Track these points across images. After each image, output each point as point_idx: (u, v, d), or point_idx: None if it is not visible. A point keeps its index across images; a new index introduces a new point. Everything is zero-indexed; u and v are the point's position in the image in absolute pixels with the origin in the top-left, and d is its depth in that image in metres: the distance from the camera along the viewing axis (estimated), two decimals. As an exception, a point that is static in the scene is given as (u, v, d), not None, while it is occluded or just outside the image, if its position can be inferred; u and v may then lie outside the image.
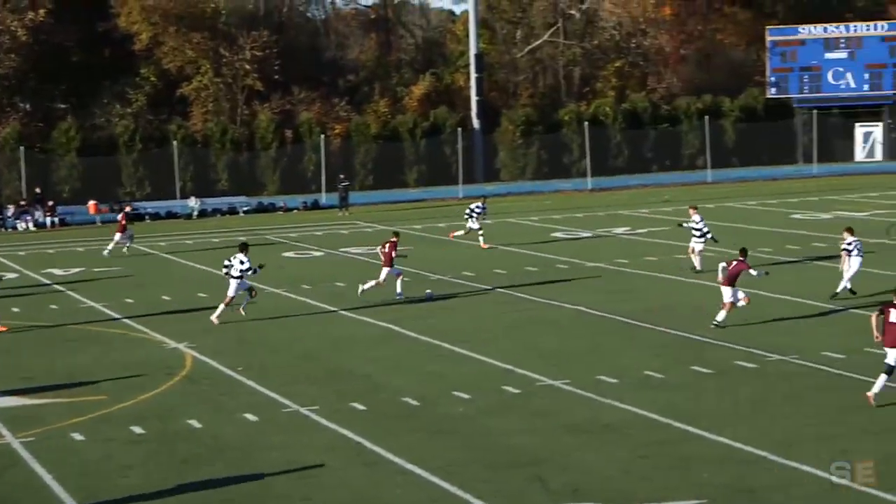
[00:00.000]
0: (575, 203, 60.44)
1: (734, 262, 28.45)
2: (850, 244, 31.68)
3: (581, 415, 21.24)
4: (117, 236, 45.08)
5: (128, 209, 49.27)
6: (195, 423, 21.43)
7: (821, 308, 30.28)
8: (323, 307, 32.77)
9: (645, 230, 47.65)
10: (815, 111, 75.35)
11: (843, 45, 77.31)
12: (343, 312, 31.93)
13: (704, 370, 24.04)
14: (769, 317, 29.45)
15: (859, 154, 77.97)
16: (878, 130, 77.72)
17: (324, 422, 21.26)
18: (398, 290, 33.23)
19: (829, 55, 77.36)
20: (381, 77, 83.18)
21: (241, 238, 45.60)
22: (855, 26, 78.41)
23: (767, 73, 79.36)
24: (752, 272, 28.81)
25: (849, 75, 77.14)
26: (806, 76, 77.92)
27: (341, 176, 61.46)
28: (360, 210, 60.26)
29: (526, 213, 55.96)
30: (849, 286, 31.40)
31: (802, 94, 78.13)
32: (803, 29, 78.34)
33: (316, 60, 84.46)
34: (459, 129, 69.99)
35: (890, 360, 21.03)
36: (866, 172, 71.44)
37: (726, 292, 28.26)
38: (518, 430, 20.47)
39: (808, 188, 63.88)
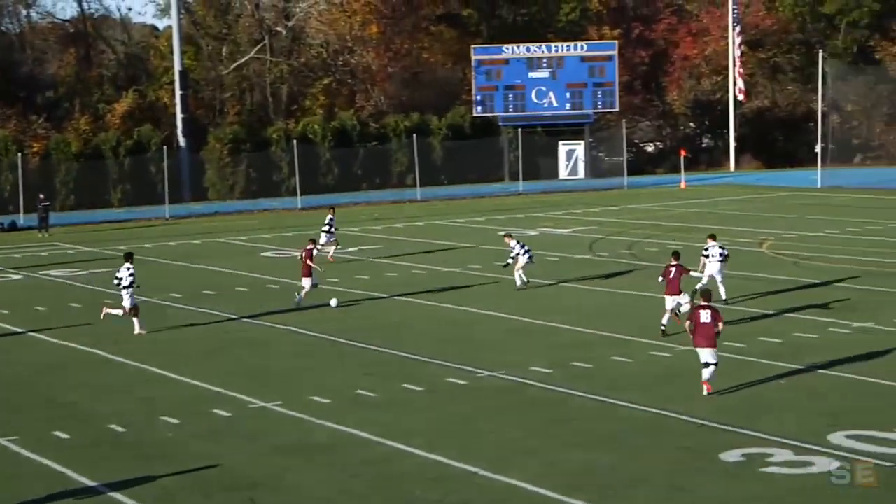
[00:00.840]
0: (285, 222, 60.37)
1: (671, 268, 29.04)
2: (706, 250, 32.98)
3: (293, 436, 21.25)
4: None
5: None
6: None
7: (529, 323, 31.18)
8: (22, 332, 31.72)
9: (355, 248, 48.01)
10: (519, 129, 77.57)
11: (545, 65, 79.90)
12: (44, 337, 30.99)
13: (416, 388, 24.40)
14: (478, 333, 30.17)
15: (563, 172, 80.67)
16: (580, 149, 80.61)
17: (24, 452, 20.59)
18: (297, 297, 34.19)
19: (532, 74, 79.83)
20: (81, 93, 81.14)
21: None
22: (556, 46, 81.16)
23: (473, 91, 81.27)
24: (693, 274, 30.14)
25: (551, 94, 79.77)
26: (510, 95, 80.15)
27: (41, 196, 59.52)
28: (62, 231, 58.56)
29: (235, 232, 55.57)
30: (724, 296, 32.38)
31: (507, 112, 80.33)
32: (507, 48, 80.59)
33: (11, 75, 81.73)
34: (165, 147, 68.93)
35: (708, 359, 22.91)
36: (570, 190, 74.03)
37: (669, 300, 28.91)
38: (230, 453, 20.31)
39: (515, 205, 65.69)
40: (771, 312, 31.51)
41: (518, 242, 36.93)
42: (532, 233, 51.61)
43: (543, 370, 25.51)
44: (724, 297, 32.44)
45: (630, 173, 78.18)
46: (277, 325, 31.78)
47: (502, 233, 40.62)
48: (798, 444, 19.68)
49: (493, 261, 42.61)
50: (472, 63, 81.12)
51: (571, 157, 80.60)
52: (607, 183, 76.92)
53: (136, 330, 31.01)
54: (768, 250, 43.93)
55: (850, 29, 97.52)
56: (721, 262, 32.85)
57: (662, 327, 28.78)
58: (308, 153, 73.35)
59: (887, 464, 18.56)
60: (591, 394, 23.42)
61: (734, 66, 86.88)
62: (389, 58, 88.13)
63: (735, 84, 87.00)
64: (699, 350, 23.13)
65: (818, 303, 32.37)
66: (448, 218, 59.44)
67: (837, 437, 19.93)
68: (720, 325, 22.97)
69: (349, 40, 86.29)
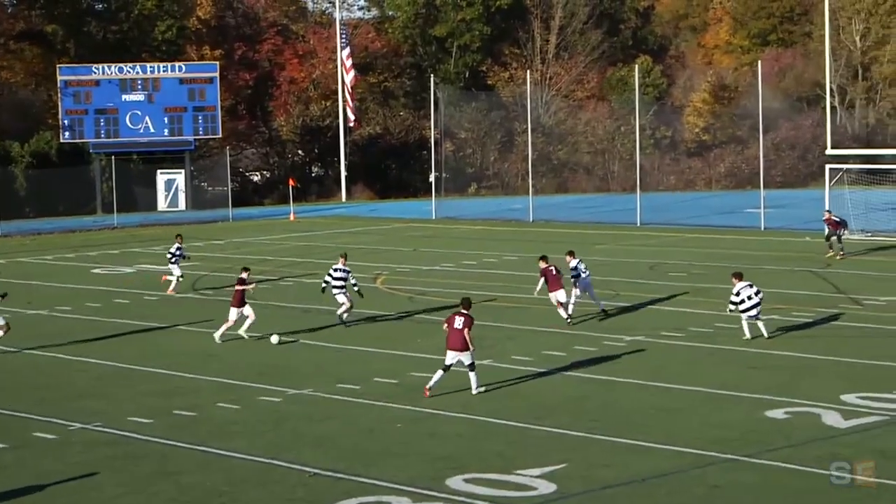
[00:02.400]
0: None
1: (551, 270, 34.77)
2: (574, 268, 36.16)
3: None
4: None
5: None
6: None
7: (126, 369, 30.61)
8: None
9: (-74, 291, 45.85)
10: (113, 157, 76.27)
11: (140, 87, 78.97)
12: None
13: (-1, 445, 23.57)
14: (70, 380, 29.41)
15: (162, 203, 79.89)
16: (180, 178, 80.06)
17: None
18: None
19: (126, 97, 78.76)
20: None
21: None
22: (152, 67, 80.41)
23: (60, 115, 79.45)
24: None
25: (148, 119, 78.92)
26: (102, 119, 78.74)
27: None
28: None
29: None
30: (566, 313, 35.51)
31: (99, 138, 78.89)
32: (97, 68, 79.20)
33: None
34: None
35: (463, 359, 26.38)
36: (170, 222, 73.28)
37: (554, 297, 34.85)
38: None
39: (110, 240, 64.51)
40: (386, 351, 32.19)
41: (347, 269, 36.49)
42: (128, 270, 50.83)
43: (142, 420, 25.10)
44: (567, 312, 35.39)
45: (235, 204, 78.22)
46: None
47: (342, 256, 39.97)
48: (415, 490, 20.13)
49: (84, 302, 41.69)
50: (59, 84, 79.28)
51: (171, 186, 79.96)
52: (211, 215, 76.70)
53: None
54: (382, 285, 44.86)
55: (462, 53, 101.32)
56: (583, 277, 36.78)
57: (569, 320, 34.72)
58: None
59: (507, 506, 19.27)
60: (196, 444, 23.22)
61: (343, 90, 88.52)
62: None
63: (345, 110, 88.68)
64: (450, 352, 26.40)
65: (434, 341, 33.28)
66: (34, 255, 57.72)
67: (456, 482, 20.51)
68: (467, 331, 26.22)
69: None
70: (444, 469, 21.19)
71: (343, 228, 68.78)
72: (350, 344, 33.13)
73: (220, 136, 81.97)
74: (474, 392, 26.60)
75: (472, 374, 26.68)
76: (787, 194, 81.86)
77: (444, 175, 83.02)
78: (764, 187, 65.73)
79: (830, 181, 58.97)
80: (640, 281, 43.75)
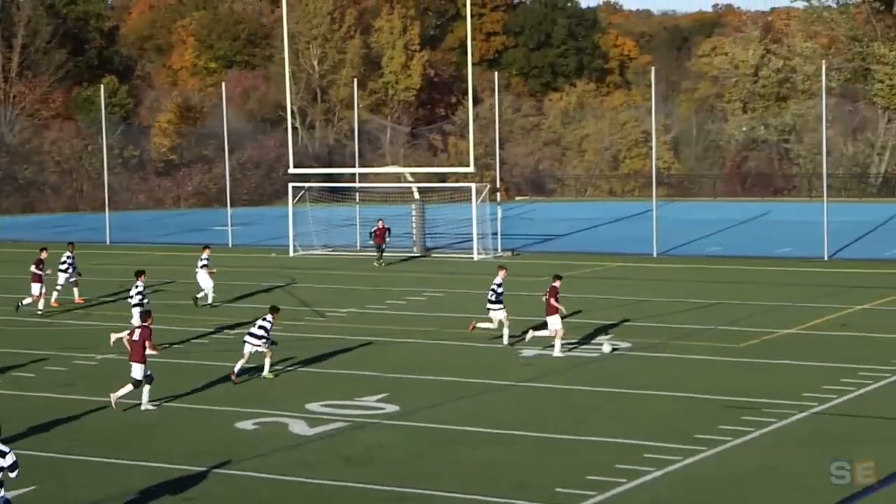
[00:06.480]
0: None
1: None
2: (206, 259, 41.42)
3: None
4: None
5: None
6: None
7: None
8: None
9: None
10: None
11: None
12: None
13: None
14: None
15: None
16: None
17: None
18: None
19: None
20: None
21: None
22: None
23: None
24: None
25: None
26: None
27: None
28: None
29: None
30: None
31: None
32: None
33: None
34: None
35: (135, 374, 26.34)
36: None
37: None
38: None
39: None
40: None
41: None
42: None
43: None
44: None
45: None
46: None
47: None
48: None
49: None
50: None
51: None
52: None
53: None
54: None
55: None
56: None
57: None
58: None
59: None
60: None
61: None
62: None
63: None
64: (133, 364, 26.50)
65: None
66: None
67: None
68: (147, 343, 26.29)
69: None
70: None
71: None
72: None
73: None
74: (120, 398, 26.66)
75: (128, 387, 26.53)
76: (253, 212, 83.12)
77: None
78: (231, 205, 66.52)
79: (294, 199, 60.42)
80: (107, 299, 43.19)
